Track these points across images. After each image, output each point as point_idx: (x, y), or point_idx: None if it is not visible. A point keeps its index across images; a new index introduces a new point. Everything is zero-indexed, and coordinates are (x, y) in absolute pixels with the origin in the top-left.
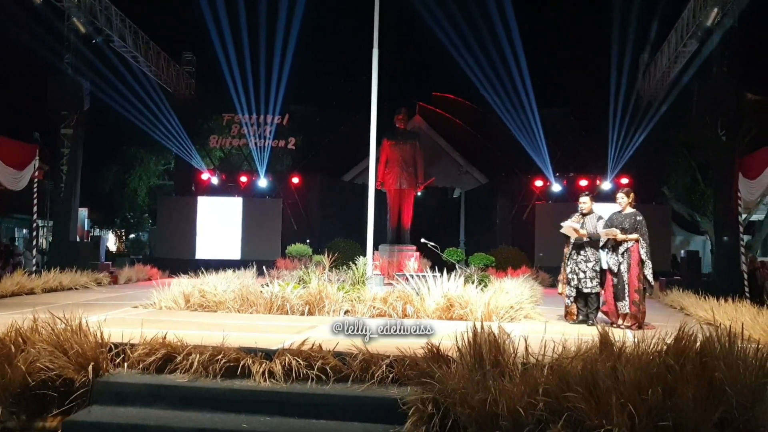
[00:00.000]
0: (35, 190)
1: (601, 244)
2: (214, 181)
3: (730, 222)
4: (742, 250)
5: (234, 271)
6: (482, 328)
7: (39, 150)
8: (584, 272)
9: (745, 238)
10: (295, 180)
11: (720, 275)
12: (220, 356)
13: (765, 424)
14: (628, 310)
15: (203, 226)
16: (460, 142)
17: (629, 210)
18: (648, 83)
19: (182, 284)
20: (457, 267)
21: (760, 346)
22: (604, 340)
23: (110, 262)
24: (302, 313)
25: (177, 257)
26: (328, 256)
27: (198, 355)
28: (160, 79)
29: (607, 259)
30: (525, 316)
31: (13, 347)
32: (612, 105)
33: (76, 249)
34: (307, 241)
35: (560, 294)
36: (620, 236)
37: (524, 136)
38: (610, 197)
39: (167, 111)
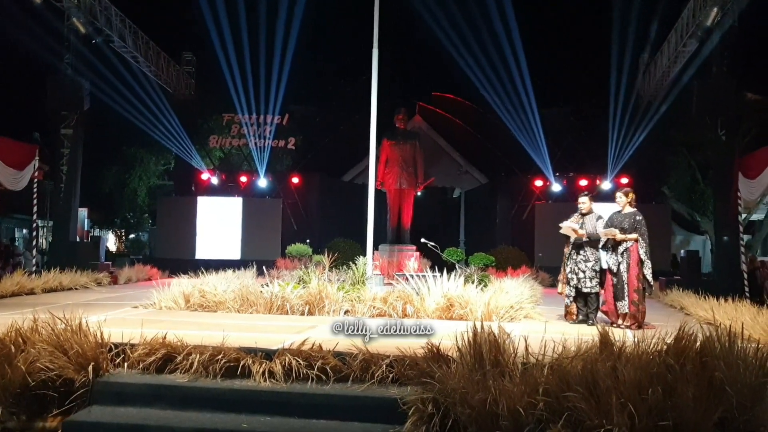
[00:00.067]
0: (35, 190)
1: (600, 244)
2: (214, 181)
3: (730, 221)
4: (742, 249)
5: (234, 271)
6: (482, 327)
7: (39, 150)
8: (584, 272)
9: (745, 237)
10: (295, 180)
11: (720, 275)
12: (220, 356)
13: (765, 424)
14: (627, 310)
15: (203, 226)
16: (460, 142)
17: (629, 210)
18: (648, 83)
19: (182, 284)
20: (457, 267)
21: (760, 345)
22: (604, 339)
23: (110, 263)
24: (302, 313)
25: (177, 257)
26: (328, 256)
27: (198, 355)
28: (159, 79)
29: (606, 259)
30: (525, 316)
31: (13, 347)
32: (612, 105)
33: (76, 249)
34: (307, 241)
35: (560, 294)
36: (619, 236)
37: (524, 136)
38: (610, 197)
39: (167, 111)
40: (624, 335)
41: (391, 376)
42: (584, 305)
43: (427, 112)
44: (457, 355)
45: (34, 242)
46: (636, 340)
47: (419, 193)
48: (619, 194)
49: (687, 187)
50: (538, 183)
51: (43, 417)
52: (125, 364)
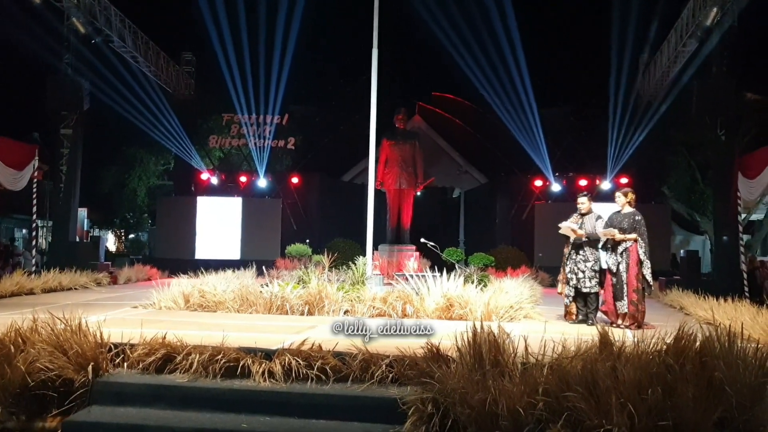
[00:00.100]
0: (35, 190)
1: (600, 244)
2: (214, 181)
3: (729, 221)
4: (742, 249)
5: (233, 271)
6: (482, 327)
7: (38, 150)
8: (583, 272)
9: (745, 237)
10: (295, 180)
11: (719, 275)
12: (219, 356)
13: (765, 424)
14: (626, 310)
15: (203, 227)
16: (459, 142)
17: (628, 209)
18: (647, 83)
19: (182, 284)
20: (456, 267)
21: (759, 345)
22: (604, 339)
23: (110, 263)
24: (302, 313)
25: (176, 257)
26: (328, 256)
27: (198, 355)
28: (159, 79)
29: (606, 259)
30: (525, 316)
31: (12, 347)
32: (611, 105)
33: (76, 249)
34: (307, 241)
35: (560, 294)
36: (618, 236)
37: (524, 135)
38: (609, 197)
39: (167, 111)
40: (624, 335)
41: (390, 376)
42: (584, 305)
43: (426, 112)
44: (456, 355)
45: (34, 242)
46: (636, 340)
47: (419, 193)
48: (618, 194)
49: (687, 187)
50: (538, 183)
51: (43, 417)
52: (125, 364)
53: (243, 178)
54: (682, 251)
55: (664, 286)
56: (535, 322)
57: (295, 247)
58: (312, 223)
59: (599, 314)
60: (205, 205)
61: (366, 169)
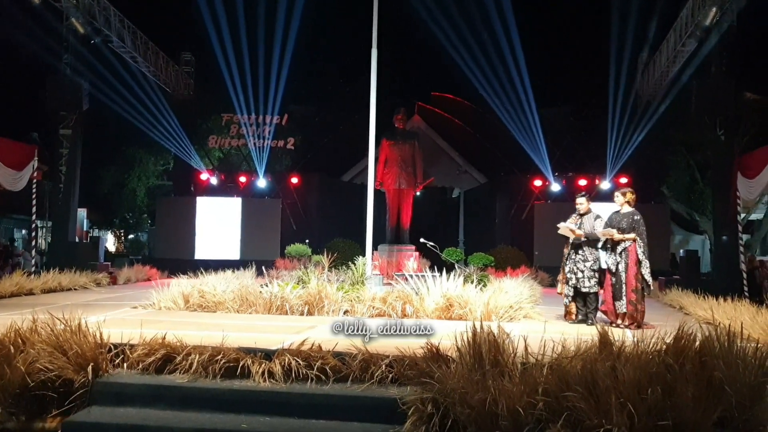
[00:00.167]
0: (34, 190)
1: (600, 243)
2: (213, 181)
3: (729, 221)
4: (741, 249)
5: (233, 271)
6: (482, 327)
7: (38, 150)
8: (582, 272)
9: (744, 237)
10: (294, 180)
11: (719, 274)
12: (219, 356)
13: (764, 423)
14: (625, 310)
15: (202, 227)
16: (459, 141)
17: (627, 209)
18: (647, 83)
19: (181, 284)
20: (456, 267)
21: (759, 345)
22: (604, 339)
23: (109, 263)
24: (301, 314)
25: (176, 257)
26: (328, 256)
27: (197, 356)
28: (158, 79)
29: (605, 259)
30: (524, 316)
31: (12, 348)
32: (611, 104)
33: (75, 249)
34: (306, 241)
35: (560, 294)
36: (617, 236)
37: (523, 135)
38: (609, 197)
39: (166, 111)
40: (623, 335)
41: (390, 376)
42: (583, 305)
43: (426, 112)
44: (456, 355)
45: (33, 243)
46: (635, 339)
47: (418, 193)
48: (617, 194)
49: (686, 186)
50: (538, 183)
51: (43, 417)
52: (125, 364)
53: (242, 179)
54: (681, 251)
55: (664, 286)
56: (535, 322)
57: (294, 247)
58: (311, 223)
59: (599, 314)
60: (204, 205)
61: (365, 169)
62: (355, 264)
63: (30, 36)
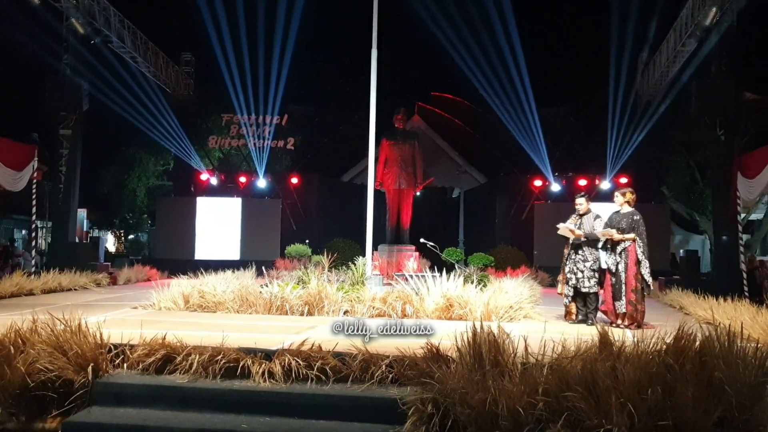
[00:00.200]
0: (34, 190)
1: (600, 244)
2: (213, 181)
3: (728, 221)
4: (741, 249)
5: (233, 271)
6: (482, 328)
7: (38, 151)
8: (582, 272)
9: (744, 237)
10: (294, 180)
11: (719, 274)
12: (219, 357)
13: (764, 423)
14: (624, 310)
15: (202, 227)
16: (459, 141)
17: (627, 209)
18: (647, 83)
19: (181, 285)
20: (456, 267)
21: (759, 345)
22: (604, 339)
23: (109, 263)
24: (301, 314)
25: (176, 258)
26: (328, 257)
27: (197, 356)
28: (158, 79)
29: (605, 259)
30: (524, 316)
31: (12, 348)
32: (611, 104)
33: (75, 250)
34: (306, 241)
35: (560, 294)
36: (617, 236)
37: (523, 135)
38: (609, 197)
39: (166, 111)
40: (623, 335)
41: (390, 376)
42: (583, 305)
43: (426, 112)
44: (456, 356)
45: (33, 243)
46: (635, 339)
47: (418, 193)
48: (616, 194)
49: (686, 186)
50: (537, 183)
51: (43, 418)
52: (125, 364)
53: (242, 179)
54: (681, 251)
55: (664, 286)
56: (535, 322)
57: (294, 248)
58: (311, 223)
59: (599, 314)
60: (204, 205)
61: (365, 169)
62: (355, 264)
63: (30, 36)
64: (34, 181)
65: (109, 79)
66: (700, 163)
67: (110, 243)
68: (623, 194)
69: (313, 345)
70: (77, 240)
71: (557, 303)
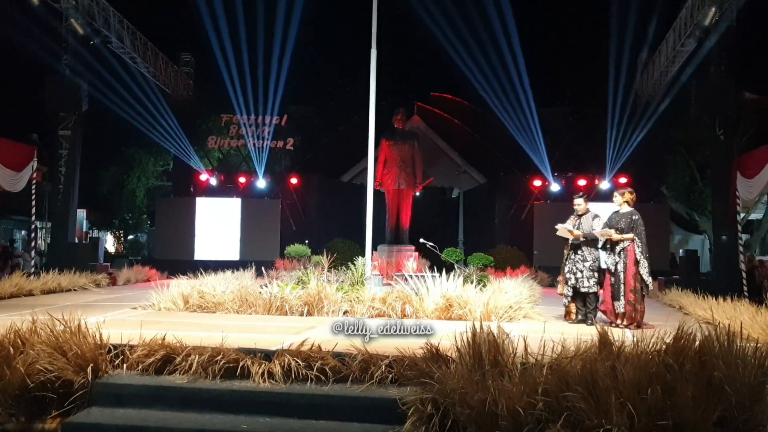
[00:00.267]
0: (33, 191)
1: (599, 244)
2: (213, 182)
3: (728, 221)
4: (741, 249)
5: (233, 271)
6: (481, 328)
7: (37, 151)
8: (581, 272)
9: (744, 237)
10: (294, 180)
11: (718, 274)
12: (219, 357)
13: (764, 423)
14: (623, 310)
15: (202, 227)
16: (458, 142)
17: (626, 209)
18: (646, 83)
19: (181, 285)
20: (455, 267)
21: (759, 344)
22: (603, 339)
23: (109, 264)
24: (301, 314)
25: (176, 258)
26: (327, 257)
27: (197, 356)
28: (158, 80)
29: (605, 259)
30: (524, 316)
31: (12, 349)
32: (610, 104)
33: (75, 250)
34: (306, 241)
35: (560, 294)
36: (615, 236)
37: (523, 135)
38: (609, 197)
39: (165, 112)
40: (623, 335)
41: (390, 376)
42: (583, 305)
43: (425, 112)
44: (456, 356)
45: (33, 243)
46: (635, 339)
47: (418, 194)
48: (615, 194)
49: (685, 186)
50: (537, 183)
51: (42, 418)
52: (124, 365)
53: (242, 179)
54: (681, 251)
55: (663, 286)
56: (535, 322)
57: (294, 248)
58: (311, 223)
59: (599, 314)
60: (204, 205)
61: (365, 169)
62: (354, 264)
63: (29, 37)
64: (34, 181)
65: (108, 79)
66: (699, 162)
67: (110, 243)
68: (622, 194)
69: (312, 345)
70: (77, 240)
71: (557, 303)
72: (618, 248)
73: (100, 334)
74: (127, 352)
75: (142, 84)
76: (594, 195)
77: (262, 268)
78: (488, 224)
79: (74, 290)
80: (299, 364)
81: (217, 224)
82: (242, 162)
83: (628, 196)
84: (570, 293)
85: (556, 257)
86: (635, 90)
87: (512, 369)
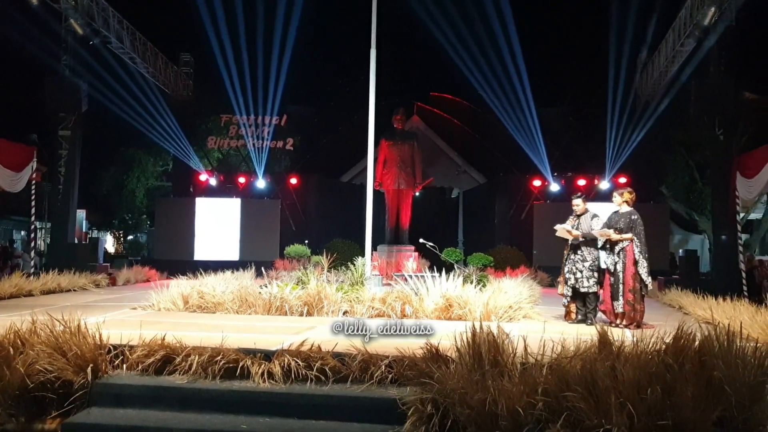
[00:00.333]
0: (33, 191)
1: (599, 243)
2: (212, 182)
3: (728, 221)
4: (740, 248)
5: (232, 272)
6: (481, 328)
7: (37, 152)
8: (581, 272)
9: (743, 236)
10: (294, 181)
11: (718, 274)
12: (219, 357)
13: (764, 423)
14: (621, 310)
15: (201, 228)
16: (458, 142)
17: (625, 209)
18: (646, 82)
19: (181, 285)
20: (455, 267)
21: (758, 344)
22: (603, 339)
23: (108, 264)
24: (301, 314)
25: (175, 258)
26: (327, 257)
27: (197, 357)
28: (157, 80)
29: (605, 259)
30: (524, 316)
31: (11, 349)
32: (610, 104)
33: (75, 250)
34: (306, 241)
35: (560, 294)
36: (614, 236)
37: (522, 135)
38: (608, 197)
39: (165, 112)
40: (623, 335)
41: (390, 376)
42: (582, 305)
43: (425, 112)
44: (456, 356)
45: (33, 244)
46: (635, 339)
47: (417, 194)
48: (615, 194)
49: (685, 186)
50: (537, 183)
51: (42, 419)
52: (124, 365)
53: (242, 179)
54: (680, 251)
55: (663, 286)
56: (534, 322)
57: (293, 248)
58: (311, 223)
59: (599, 314)
60: (203, 206)
61: (365, 169)
62: (354, 264)
63: (29, 37)
64: (33, 182)
65: (108, 79)
66: (699, 162)
67: (109, 244)
68: (621, 194)
69: (312, 345)
70: (76, 241)
71: (556, 303)
72: (617, 248)
73: (100, 335)
74: (127, 353)
75: (141, 84)
76: (594, 195)
77: (262, 269)
78: (488, 224)
79: (74, 291)
80: (299, 365)
81: (217, 224)
82: (242, 162)
83: (627, 196)
84: (570, 293)
85: (555, 257)
86: (635, 90)
87: (512, 369)
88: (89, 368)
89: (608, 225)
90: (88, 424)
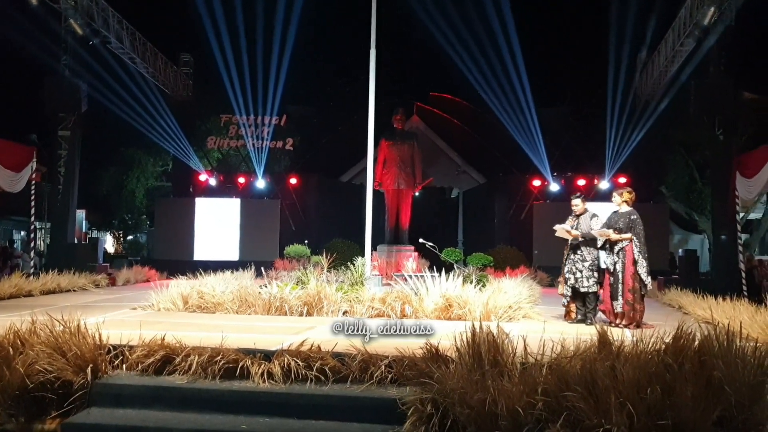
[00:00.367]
0: (33, 192)
1: (599, 243)
2: (212, 182)
3: (727, 220)
4: (740, 248)
5: (232, 272)
6: (481, 328)
7: (36, 152)
8: (580, 271)
9: (743, 236)
10: (293, 181)
11: (718, 274)
12: (218, 357)
13: (763, 422)
14: (621, 309)
15: (201, 228)
16: (457, 142)
17: (625, 209)
18: (645, 82)
19: (180, 286)
20: (455, 267)
21: (758, 344)
22: (603, 339)
23: (108, 264)
24: (301, 314)
25: (175, 258)
26: (327, 257)
27: (197, 357)
28: (157, 80)
29: (605, 259)
30: (523, 316)
31: (11, 349)
32: (609, 104)
33: (74, 251)
34: (305, 241)
35: (561, 294)
36: (614, 236)
37: (522, 135)
38: (608, 196)
39: (165, 112)
40: (622, 335)
41: (390, 376)
42: (582, 305)
43: (424, 112)
44: (455, 356)
45: (32, 244)
46: (634, 339)
47: (417, 194)
48: (614, 194)
49: (685, 186)
50: (536, 183)
51: (42, 419)
52: (124, 365)
53: (241, 179)
54: (680, 250)
55: (663, 286)
56: (534, 322)
57: (293, 248)
58: (310, 223)
59: (599, 314)
60: (203, 206)
61: (364, 169)
62: (354, 264)
63: (28, 37)
64: (33, 182)
65: (107, 80)
66: (698, 162)
67: (109, 244)
68: (620, 194)
69: (312, 345)
70: (76, 241)
71: (556, 303)
72: (617, 248)
73: (100, 335)
74: (127, 353)
75: (141, 84)
76: (593, 195)
77: (262, 269)
78: (488, 224)
79: (73, 291)
80: (299, 365)
81: (217, 224)
82: (241, 162)
83: (626, 196)
84: (569, 293)
85: (555, 257)
86: (634, 90)
87: (512, 369)
88: (89, 368)
89: (608, 225)
90: (87, 424)
